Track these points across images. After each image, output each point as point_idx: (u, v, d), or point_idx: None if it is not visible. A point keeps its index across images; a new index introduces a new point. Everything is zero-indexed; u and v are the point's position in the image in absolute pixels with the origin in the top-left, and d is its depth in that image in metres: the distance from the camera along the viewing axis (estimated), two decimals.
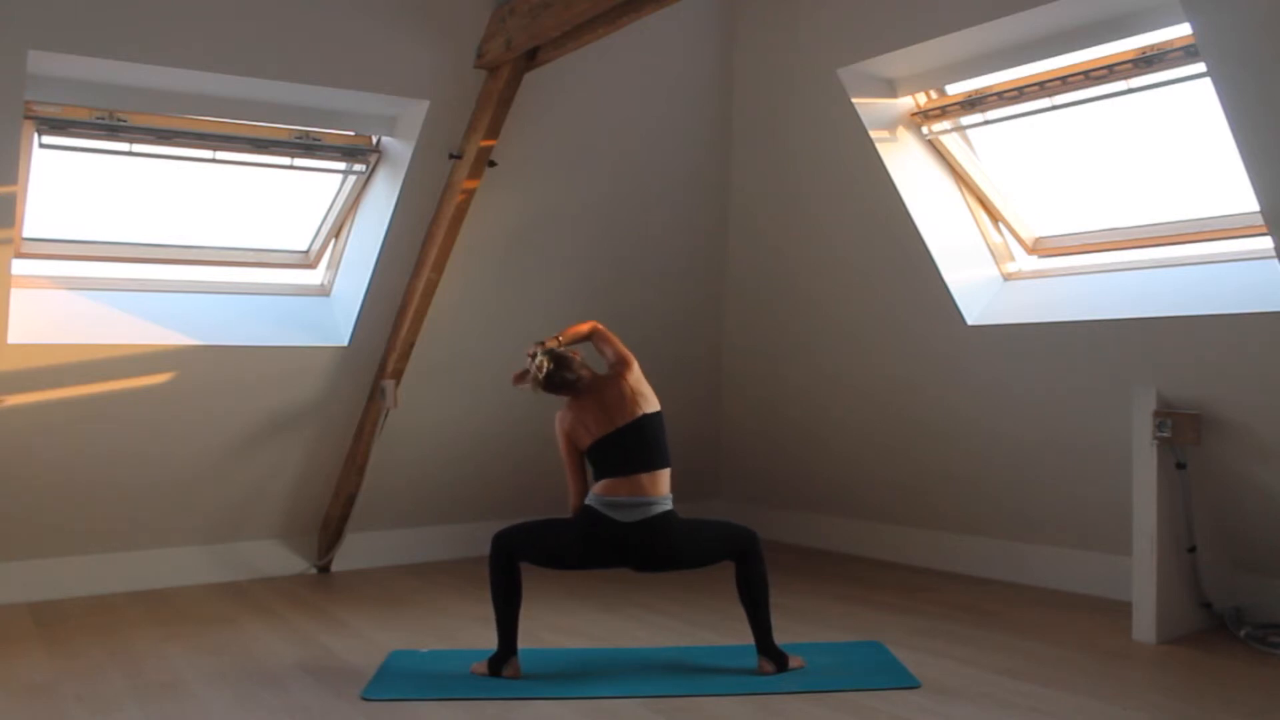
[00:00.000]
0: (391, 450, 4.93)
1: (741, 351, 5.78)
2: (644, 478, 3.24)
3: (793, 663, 3.30)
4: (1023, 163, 4.69)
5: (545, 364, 3.34)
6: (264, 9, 3.93)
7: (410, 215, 4.54)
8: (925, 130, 4.67)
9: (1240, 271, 3.85)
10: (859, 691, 3.10)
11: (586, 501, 3.27)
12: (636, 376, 3.39)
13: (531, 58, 4.24)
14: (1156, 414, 3.69)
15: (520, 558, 3.26)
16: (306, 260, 4.90)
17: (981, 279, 4.68)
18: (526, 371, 3.38)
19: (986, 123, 4.48)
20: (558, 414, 3.40)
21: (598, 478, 3.29)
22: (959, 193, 4.75)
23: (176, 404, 4.42)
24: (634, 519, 3.21)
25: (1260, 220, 3.58)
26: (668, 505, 3.27)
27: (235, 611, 4.23)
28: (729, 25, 5.15)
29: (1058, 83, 4.13)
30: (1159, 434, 3.67)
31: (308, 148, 4.48)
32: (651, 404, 3.35)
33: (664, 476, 3.28)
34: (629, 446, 3.27)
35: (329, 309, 4.85)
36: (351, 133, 4.54)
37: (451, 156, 4.46)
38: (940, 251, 4.58)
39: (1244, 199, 3.73)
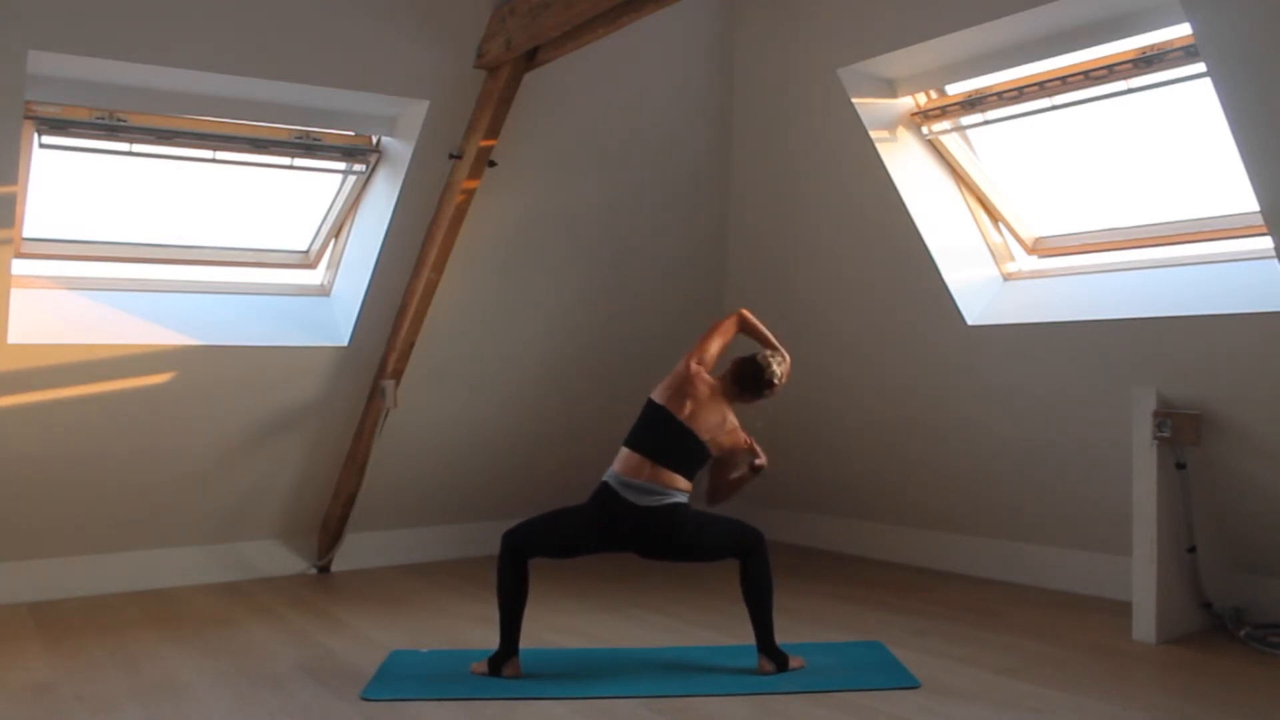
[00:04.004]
0: (391, 450, 4.93)
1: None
2: (668, 472, 3.28)
3: (793, 663, 3.30)
4: (1023, 163, 4.69)
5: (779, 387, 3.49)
6: (264, 9, 3.93)
7: (410, 215, 4.54)
8: (925, 130, 4.67)
9: (1240, 271, 3.85)
10: (859, 691, 3.10)
11: (605, 478, 3.32)
12: (736, 440, 3.45)
13: (531, 58, 4.24)
14: (1156, 414, 3.69)
15: (532, 553, 3.28)
16: (306, 260, 4.90)
17: (981, 279, 4.68)
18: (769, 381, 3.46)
19: (986, 123, 4.48)
20: (706, 374, 3.45)
21: (632, 436, 3.34)
22: (959, 193, 4.75)
23: (176, 404, 4.42)
24: (648, 504, 3.24)
25: (1260, 220, 3.58)
26: (682, 499, 3.30)
27: (235, 611, 4.23)
28: (729, 25, 5.15)
29: (1058, 83, 4.13)
30: (1159, 434, 3.67)
31: (308, 148, 4.48)
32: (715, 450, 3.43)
33: (685, 480, 3.33)
34: (671, 443, 3.31)
35: (329, 309, 4.85)
36: (351, 133, 4.54)
37: (451, 156, 4.46)
38: (940, 251, 4.58)
39: (1244, 199, 3.73)
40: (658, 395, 3.40)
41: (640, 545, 3.30)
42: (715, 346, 3.51)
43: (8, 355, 3.99)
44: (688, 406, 3.35)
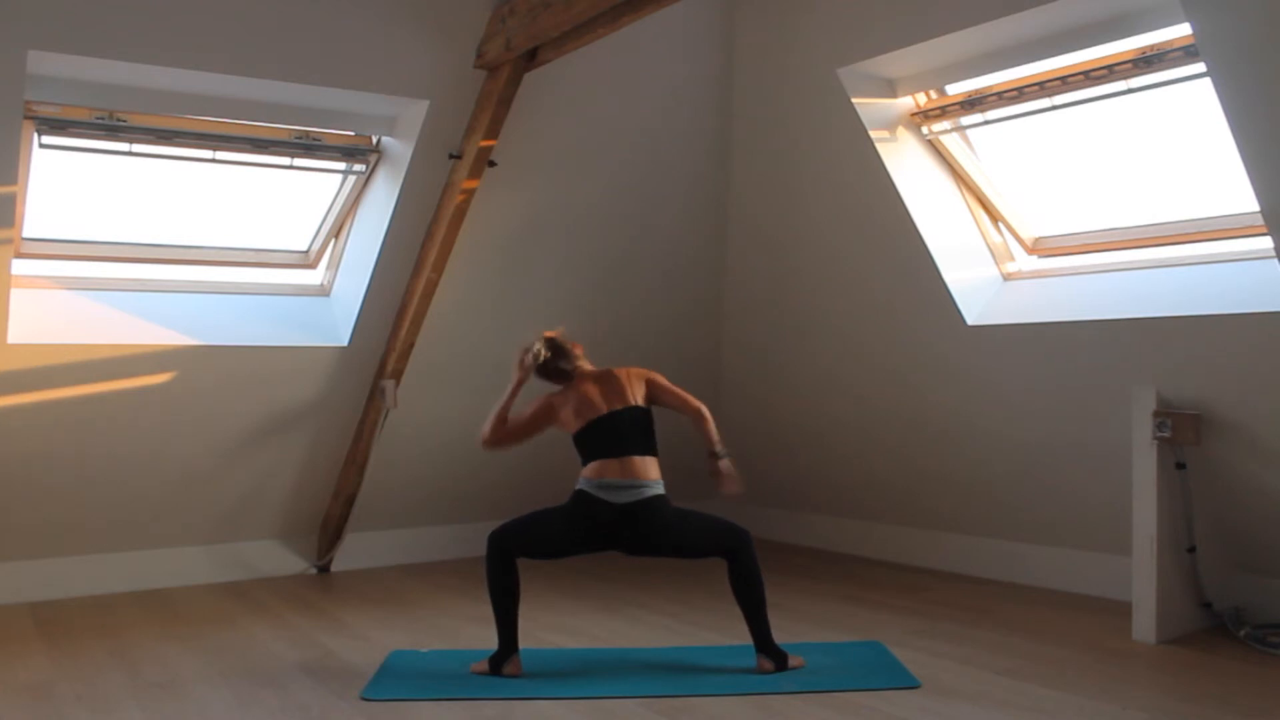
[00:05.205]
0: (391, 450, 4.93)
1: (741, 351, 5.78)
2: (636, 460, 3.28)
3: (792, 662, 3.30)
4: (1023, 163, 4.69)
5: (542, 352, 3.45)
6: (264, 9, 3.93)
7: (410, 215, 4.54)
8: (925, 130, 4.67)
9: (1240, 271, 3.85)
10: (859, 691, 3.10)
11: (578, 486, 3.30)
12: (649, 381, 3.46)
13: (531, 58, 4.24)
14: (1156, 414, 3.69)
15: (517, 553, 3.28)
16: (306, 260, 4.90)
17: (981, 279, 4.68)
18: (527, 351, 3.50)
19: (986, 123, 4.48)
20: (552, 393, 3.47)
21: (587, 460, 3.33)
22: (959, 193, 4.75)
23: (176, 404, 4.43)
24: (627, 500, 3.23)
25: (1260, 220, 3.58)
26: (660, 489, 3.29)
27: (235, 611, 4.23)
28: (729, 25, 5.15)
29: (1058, 83, 4.13)
30: (1159, 434, 3.67)
31: (308, 148, 4.48)
32: (648, 404, 3.44)
33: (654, 463, 3.33)
34: (623, 430, 3.32)
35: (329, 309, 4.85)
36: (351, 133, 4.54)
37: (451, 156, 4.46)
38: (940, 251, 4.58)
39: (1244, 199, 3.73)
40: (573, 426, 3.37)
41: (623, 542, 3.30)
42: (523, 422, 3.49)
43: (8, 355, 3.99)
44: (599, 402, 3.35)
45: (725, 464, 3.42)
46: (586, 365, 3.51)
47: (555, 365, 3.46)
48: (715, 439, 3.42)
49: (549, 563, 3.45)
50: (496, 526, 3.34)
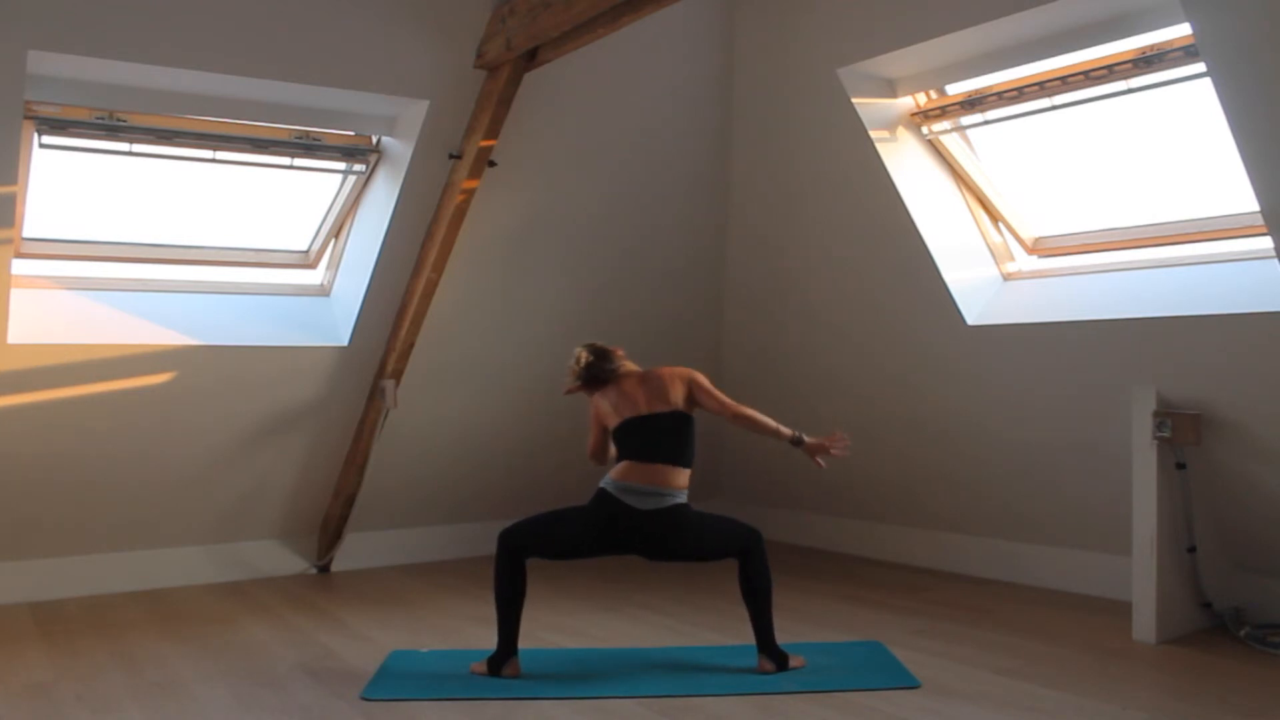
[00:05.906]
0: (391, 450, 4.93)
1: (741, 351, 5.78)
2: (663, 468, 3.26)
3: (793, 662, 3.30)
4: (1023, 163, 4.69)
5: (584, 356, 3.43)
6: (264, 9, 3.93)
7: (410, 215, 4.54)
8: (925, 130, 4.67)
9: (1240, 271, 3.85)
10: (859, 691, 3.10)
11: (602, 485, 3.29)
12: (690, 381, 3.42)
13: (531, 58, 4.24)
14: (1156, 414, 3.69)
15: (529, 553, 3.27)
16: (306, 260, 4.90)
17: (981, 279, 4.68)
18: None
19: (986, 123, 4.48)
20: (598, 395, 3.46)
21: (620, 459, 3.33)
22: (959, 193, 4.75)
23: (176, 404, 4.43)
24: (649, 507, 3.22)
25: (1260, 220, 3.58)
26: (682, 499, 3.29)
27: (235, 611, 4.23)
28: (729, 25, 5.15)
29: (1058, 83, 4.13)
30: (1159, 434, 3.67)
31: (308, 148, 4.48)
32: (689, 408, 3.41)
33: (684, 474, 3.31)
34: (657, 434, 3.30)
35: (329, 309, 4.85)
36: (351, 133, 4.54)
37: (451, 156, 4.46)
38: (940, 251, 4.59)
39: (1244, 199, 3.73)
40: (611, 422, 3.38)
41: (641, 548, 3.30)
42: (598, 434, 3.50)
43: (8, 355, 3.99)
44: (640, 402, 3.34)
45: (810, 440, 3.43)
46: (630, 365, 3.50)
47: (599, 367, 3.42)
48: (780, 428, 3.40)
49: (550, 562, 3.45)
50: (508, 525, 3.33)
